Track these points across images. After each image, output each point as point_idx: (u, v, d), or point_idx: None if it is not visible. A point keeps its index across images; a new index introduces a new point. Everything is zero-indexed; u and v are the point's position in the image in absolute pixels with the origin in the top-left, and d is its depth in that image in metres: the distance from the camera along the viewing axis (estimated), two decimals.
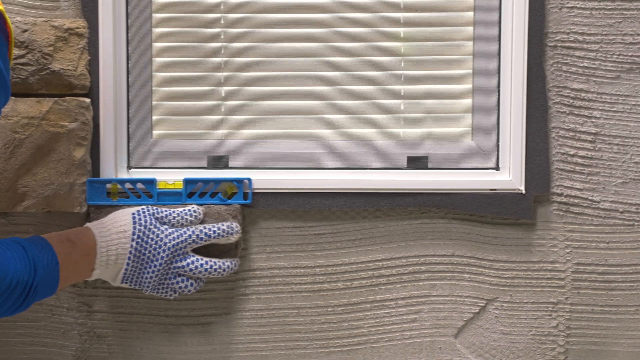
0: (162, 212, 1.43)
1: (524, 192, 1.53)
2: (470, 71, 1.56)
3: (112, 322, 1.56)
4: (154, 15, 1.54)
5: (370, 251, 1.56)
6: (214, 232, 1.44)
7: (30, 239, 1.30)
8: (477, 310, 1.57)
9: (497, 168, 1.56)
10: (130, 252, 1.38)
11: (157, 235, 1.40)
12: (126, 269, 1.39)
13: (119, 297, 1.55)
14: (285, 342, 1.57)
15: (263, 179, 1.52)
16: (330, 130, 1.58)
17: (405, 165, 1.57)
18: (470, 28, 1.56)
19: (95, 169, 1.50)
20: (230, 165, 1.56)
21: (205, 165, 1.56)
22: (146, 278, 1.41)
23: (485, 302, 1.57)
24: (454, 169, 1.56)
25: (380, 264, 1.56)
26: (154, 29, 1.54)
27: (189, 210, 1.45)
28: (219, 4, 1.55)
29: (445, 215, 1.55)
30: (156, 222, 1.41)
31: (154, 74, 1.55)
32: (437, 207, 1.54)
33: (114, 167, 1.51)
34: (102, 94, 1.49)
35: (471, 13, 1.55)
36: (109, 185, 1.49)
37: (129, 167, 1.54)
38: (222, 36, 1.56)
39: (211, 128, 1.58)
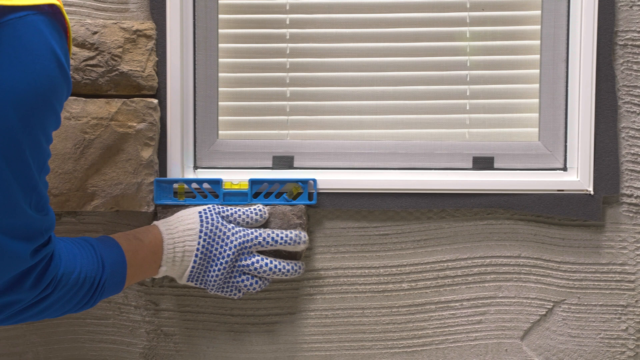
0: (227, 210, 1.44)
1: (592, 193, 1.50)
2: (538, 70, 1.54)
3: (179, 321, 1.57)
4: (221, 16, 1.56)
5: (435, 252, 1.55)
6: (282, 238, 1.44)
7: (98, 238, 1.32)
8: (544, 313, 1.55)
9: (564, 169, 1.54)
10: (198, 250, 1.39)
11: (224, 233, 1.41)
12: (193, 267, 1.40)
13: (186, 295, 1.56)
14: (350, 342, 1.57)
15: (328, 179, 1.52)
16: (395, 131, 1.58)
17: (470, 166, 1.56)
18: (538, 27, 1.54)
19: (162, 169, 1.52)
20: (295, 165, 1.56)
21: (271, 166, 1.56)
22: (212, 276, 1.42)
23: (552, 304, 1.55)
24: (520, 170, 1.55)
25: (445, 264, 1.55)
26: (220, 30, 1.56)
27: (255, 209, 1.46)
28: (285, 5, 1.56)
29: (511, 216, 1.54)
30: (223, 221, 1.42)
31: (220, 74, 1.57)
32: (503, 208, 1.52)
33: (181, 167, 1.52)
34: (169, 95, 1.50)
35: (539, 12, 1.53)
36: (176, 185, 1.50)
37: (195, 167, 1.56)
38: (288, 37, 1.57)
39: (276, 128, 1.59)
